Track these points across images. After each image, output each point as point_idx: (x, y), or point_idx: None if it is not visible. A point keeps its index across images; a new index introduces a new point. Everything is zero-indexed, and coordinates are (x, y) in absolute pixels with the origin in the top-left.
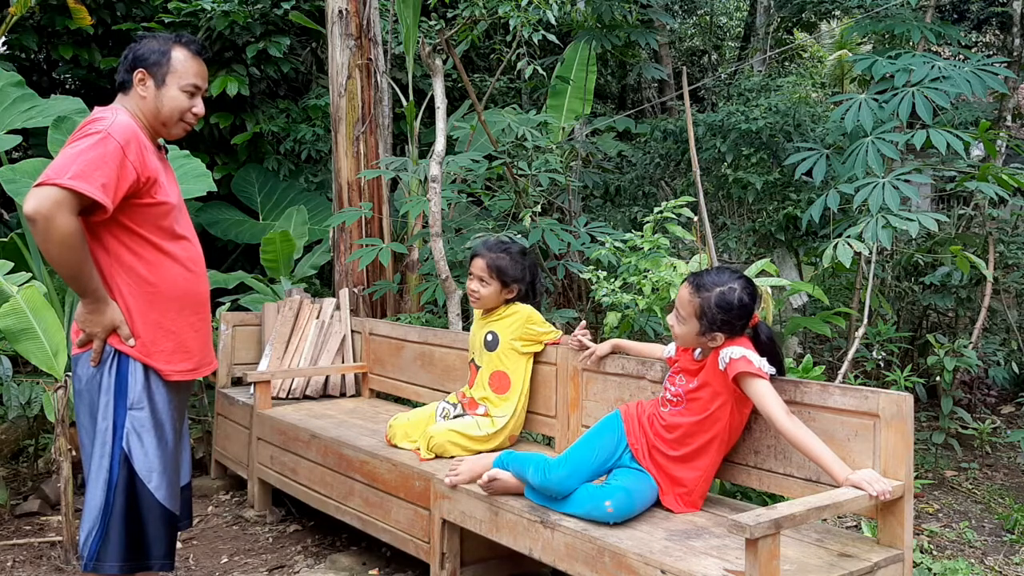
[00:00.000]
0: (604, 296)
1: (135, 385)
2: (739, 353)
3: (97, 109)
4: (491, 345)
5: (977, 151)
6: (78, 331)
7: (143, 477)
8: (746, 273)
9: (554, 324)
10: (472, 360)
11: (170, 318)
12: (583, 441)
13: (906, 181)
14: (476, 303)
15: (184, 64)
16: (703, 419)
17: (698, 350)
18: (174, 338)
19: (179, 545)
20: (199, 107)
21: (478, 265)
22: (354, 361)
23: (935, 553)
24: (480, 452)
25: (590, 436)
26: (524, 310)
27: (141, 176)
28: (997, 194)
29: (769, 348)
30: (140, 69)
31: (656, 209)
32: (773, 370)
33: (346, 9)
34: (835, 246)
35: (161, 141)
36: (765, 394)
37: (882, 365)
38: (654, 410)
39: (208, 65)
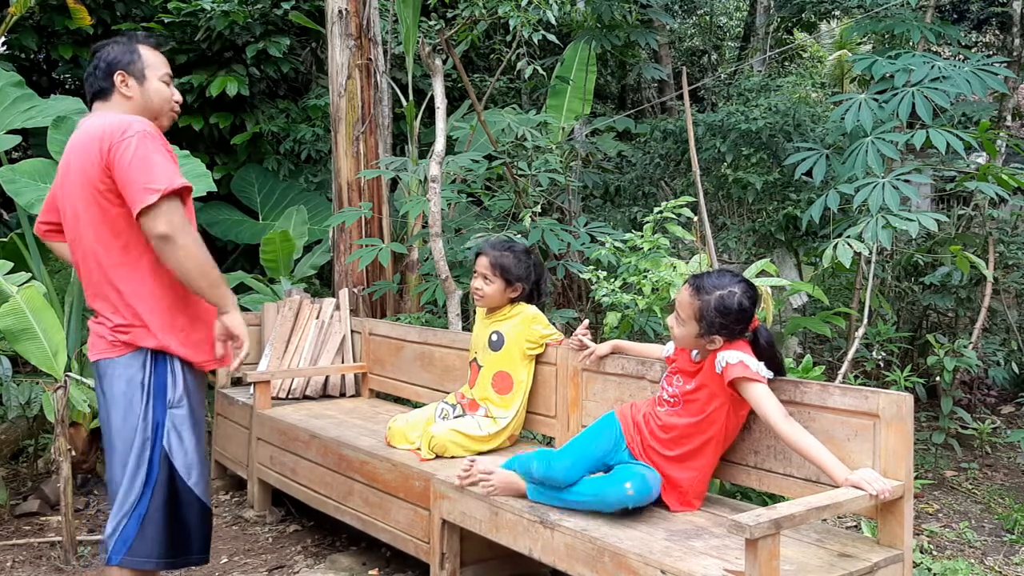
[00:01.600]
0: (604, 296)
1: (175, 384)
2: (736, 358)
3: (104, 119)
4: (496, 345)
5: (978, 156)
6: (96, 336)
7: (183, 474)
8: (746, 273)
9: (553, 324)
10: (474, 359)
11: (204, 308)
12: (583, 435)
13: (906, 181)
14: (480, 301)
15: (154, 57)
16: (699, 421)
17: (696, 351)
18: (207, 327)
19: None
20: (178, 95)
21: (482, 263)
22: (354, 361)
23: (935, 553)
24: (481, 452)
25: (589, 431)
26: (529, 311)
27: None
28: (997, 194)
29: (768, 353)
30: (118, 71)
31: (656, 209)
32: (771, 374)
33: (346, 9)
34: (835, 246)
35: None
36: (762, 397)
37: (882, 365)
38: (650, 409)
39: (208, 65)
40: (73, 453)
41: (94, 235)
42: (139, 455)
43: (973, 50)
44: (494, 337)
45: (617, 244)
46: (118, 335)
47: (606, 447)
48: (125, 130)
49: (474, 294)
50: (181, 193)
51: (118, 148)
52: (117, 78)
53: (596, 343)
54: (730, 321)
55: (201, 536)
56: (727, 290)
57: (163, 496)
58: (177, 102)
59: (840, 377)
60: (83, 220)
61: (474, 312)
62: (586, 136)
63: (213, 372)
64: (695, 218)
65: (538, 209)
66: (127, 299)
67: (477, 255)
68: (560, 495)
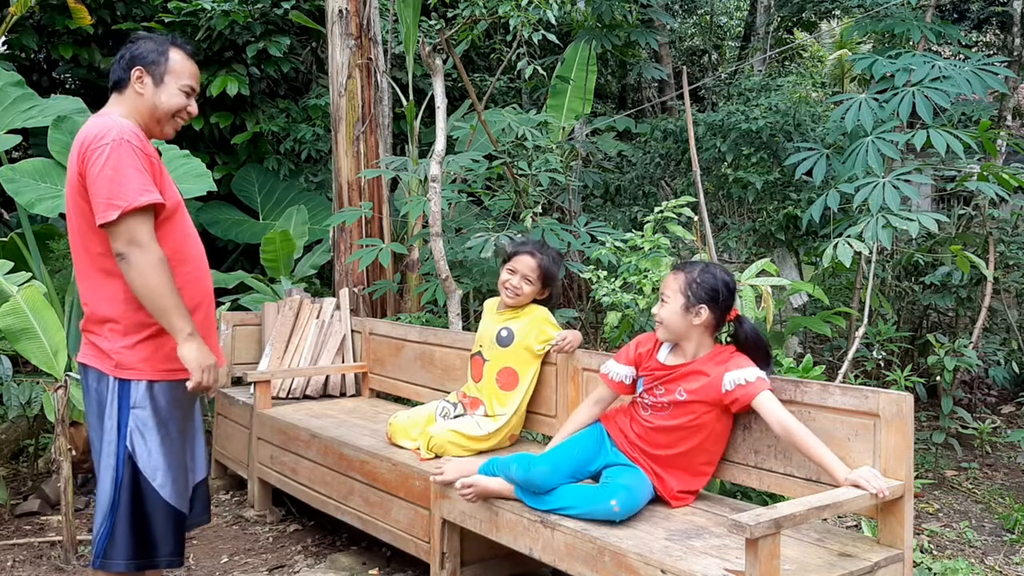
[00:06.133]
0: (604, 296)
1: (138, 385)
2: (752, 375)
3: (93, 122)
4: (505, 341)
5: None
6: (87, 345)
7: (148, 475)
8: (746, 273)
9: None
10: (478, 353)
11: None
12: (566, 441)
13: (906, 181)
14: (513, 299)
15: (181, 64)
16: (687, 425)
17: (664, 351)
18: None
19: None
20: (193, 107)
21: (528, 264)
22: (354, 361)
23: (935, 553)
24: (481, 451)
25: (573, 438)
26: (540, 312)
27: (155, 167)
28: (997, 194)
29: (754, 343)
30: (138, 67)
31: (656, 209)
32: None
33: (346, 9)
34: (835, 246)
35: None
36: (773, 403)
37: (882, 365)
38: (635, 412)
39: (208, 65)
40: (73, 453)
41: (80, 239)
42: (107, 454)
43: (973, 50)
44: (504, 333)
45: (617, 244)
46: (88, 337)
47: (588, 454)
48: (102, 137)
49: (507, 290)
50: (155, 207)
51: (91, 156)
52: (135, 73)
53: (596, 343)
54: (714, 293)
55: (171, 540)
56: (709, 265)
57: (128, 497)
58: (191, 113)
59: (840, 377)
60: (73, 222)
61: (475, 312)
62: (586, 136)
63: None
64: (695, 218)
65: (538, 209)
66: (96, 306)
67: (517, 254)
68: (542, 504)
